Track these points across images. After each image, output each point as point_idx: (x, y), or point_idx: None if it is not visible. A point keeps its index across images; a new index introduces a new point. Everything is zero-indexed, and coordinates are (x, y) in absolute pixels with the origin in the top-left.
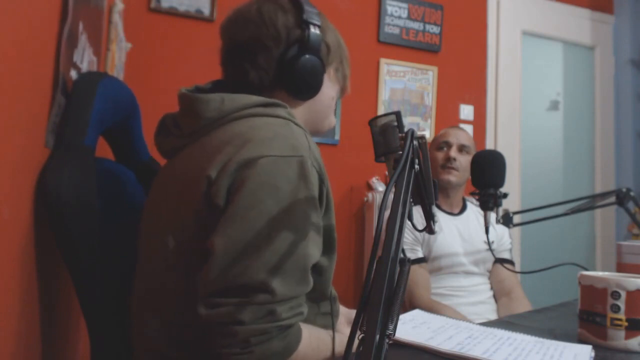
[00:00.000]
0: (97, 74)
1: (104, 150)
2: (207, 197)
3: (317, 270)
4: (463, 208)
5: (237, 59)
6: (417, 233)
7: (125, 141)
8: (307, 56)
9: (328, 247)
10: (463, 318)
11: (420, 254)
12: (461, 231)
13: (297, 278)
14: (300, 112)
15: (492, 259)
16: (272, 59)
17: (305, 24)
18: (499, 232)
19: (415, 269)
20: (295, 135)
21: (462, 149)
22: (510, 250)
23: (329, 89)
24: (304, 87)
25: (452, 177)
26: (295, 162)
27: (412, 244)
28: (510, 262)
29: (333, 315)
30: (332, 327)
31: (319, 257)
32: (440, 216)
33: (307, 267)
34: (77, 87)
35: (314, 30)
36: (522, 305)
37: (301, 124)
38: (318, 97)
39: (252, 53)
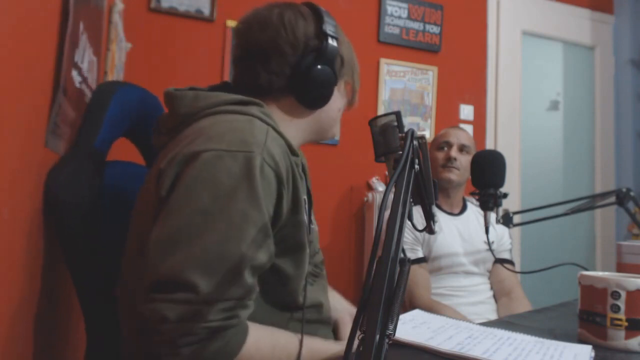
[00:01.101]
0: (115, 83)
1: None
2: (156, 189)
3: (281, 279)
4: (463, 208)
5: (250, 60)
6: (417, 233)
7: (149, 143)
8: (321, 66)
9: (294, 249)
10: (463, 318)
11: (420, 254)
12: (461, 231)
13: (228, 279)
14: (307, 121)
15: (492, 259)
16: (287, 64)
17: (324, 35)
18: (499, 232)
19: (415, 269)
20: (252, 132)
21: (462, 148)
22: (510, 250)
23: (337, 101)
24: (314, 97)
25: (453, 175)
26: (242, 158)
27: (412, 243)
28: (510, 262)
29: (303, 322)
30: (302, 334)
31: (264, 260)
32: (440, 216)
33: (241, 269)
34: (94, 97)
35: (332, 42)
36: (522, 305)
37: (271, 122)
38: (325, 108)
39: (267, 56)
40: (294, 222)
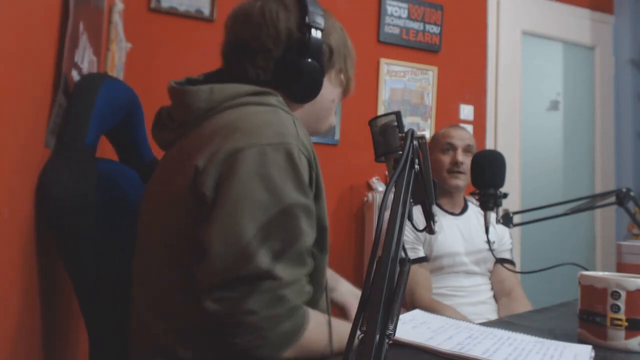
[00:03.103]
0: (99, 75)
1: (107, 150)
2: (193, 187)
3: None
4: (464, 208)
5: (237, 56)
6: (418, 232)
7: (128, 142)
8: (305, 60)
9: (319, 231)
10: (463, 318)
11: (421, 254)
12: (462, 231)
13: (298, 261)
14: (298, 114)
15: (493, 259)
16: (271, 59)
17: (307, 27)
18: (500, 232)
19: (416, 268)
20: (283, 123)
21: (467, 149)
22: (511, 250)
23: (329, 92)
24: (302, 91)
25: (461, 182)
26: (283, 150)
27: (413, 243)
28: (511, 262)
29: (328, 304)
30: (328, 315)
31: (314, 238)
32: (441, 216)
33: (304, 249)
34: (79, 88)
35: (315, 34)
36: (522, 305)
37: (289, 110)
38: (317, 100)
39: (252, 52)
40: (318, 204)
